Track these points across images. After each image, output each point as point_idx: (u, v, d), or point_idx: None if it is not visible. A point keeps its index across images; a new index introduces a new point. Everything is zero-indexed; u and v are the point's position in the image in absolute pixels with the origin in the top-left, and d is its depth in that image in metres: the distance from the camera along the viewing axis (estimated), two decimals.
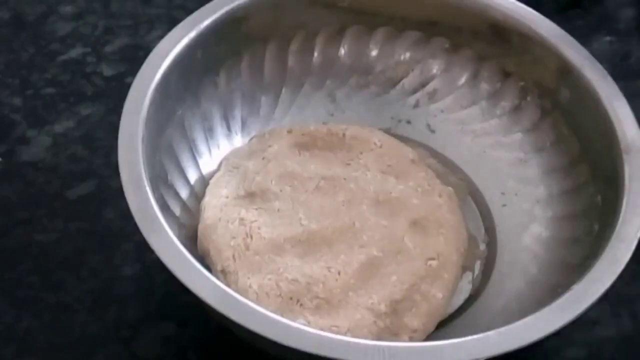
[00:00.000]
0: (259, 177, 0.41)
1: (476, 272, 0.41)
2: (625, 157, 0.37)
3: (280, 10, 0.43)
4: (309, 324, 0.36)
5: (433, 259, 0.39)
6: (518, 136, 0.44)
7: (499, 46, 0.44)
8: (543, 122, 0.43)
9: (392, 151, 0.43)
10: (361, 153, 0.43)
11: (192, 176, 0.41)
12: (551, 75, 0.42)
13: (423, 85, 0.46)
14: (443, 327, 0.39)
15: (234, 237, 0.39)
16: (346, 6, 0.44)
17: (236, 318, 0.31)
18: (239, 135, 0.44)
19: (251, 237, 0.39)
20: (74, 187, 0.45)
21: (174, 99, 0.40)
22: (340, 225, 0.39)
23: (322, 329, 0.35)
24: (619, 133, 0.38)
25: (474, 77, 0.45)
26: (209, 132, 0.43)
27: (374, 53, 0.46)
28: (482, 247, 0.42)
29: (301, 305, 0.37)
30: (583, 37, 0.42)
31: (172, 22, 0.41)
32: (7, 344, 0.39)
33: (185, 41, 0.40)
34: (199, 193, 0.41)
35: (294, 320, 0.34)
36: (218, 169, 0.42)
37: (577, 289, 0.33)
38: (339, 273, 0.38)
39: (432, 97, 0.46)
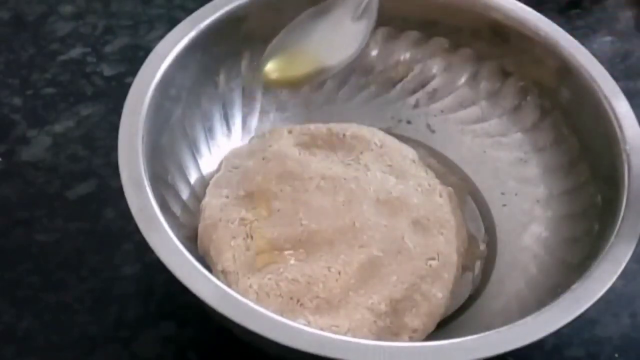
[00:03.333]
0: (259, 177, 0.41)
1: (476, 272, 0.41)
2: (625, 157, 0.37)
3: (280, 10, 0.43)
4: (309, 324, 0.36)
5: (433, 258, 0.39)
6: (518, 136, 0.44)
7: (499, 46, 0.44)
8: (543, 122, 0.43)
9: (392, 151, 0.43)
10: (361, 153, 0.43)
11: (192, 176, 0.41)
12: (551, 75, 0.42)
13: (423, 85, 0.46)
14: (443, 327, 0.39)
15: (234, 237, 0.39)
16: None
17: (236, 318, 0.31)
18: (239, 135, 0.44)
19: (251, 237, 0.39)
20: (74, 187, 0.45)
21: (174, 99, 0.40)
22: (341, 225, 0.39)
23: (322, 329, 0.35)
24: (619, 133, 0.38)
25: (474, 77, 0.45)
26: (209, 131, 0.43)
27: (374, 53, 0.46)
28: (482, 247, 0.42)
29: (301, 305, 0.37)
30: (583, 37, 0.42)
31: (172, 22, 0.41)
32: (7, 344, 0.39)
33: (185, 41, 0.40)
34: (199, 193, 0.41)
35: (294, 320, 0.34)
36: (218, 169, 0.42)
37: (577, 289, 0.33)
38: (339, 273, 0.38)
39: (432, 97, 0.46)
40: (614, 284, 0.33)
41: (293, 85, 0.39)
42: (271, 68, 0.38)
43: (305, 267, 0.38)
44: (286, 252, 0.38)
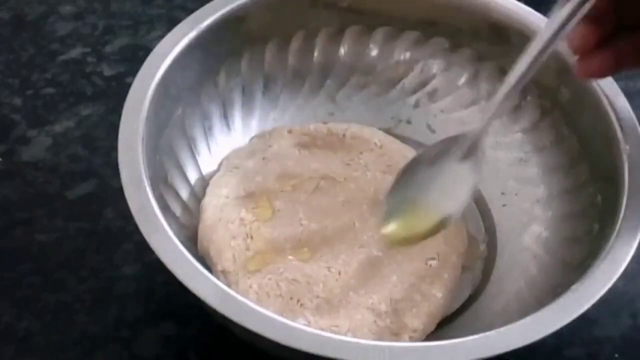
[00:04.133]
0: (259, 177, 0.41)
1: (476, 272, 0.41)
2: (625, 157, 0.37)
3: (280, 10, 0.43)
4: (309, 324, 0.36)
5: (433, 259, 0.39)
6: (518, 136, 0.44)
7: (499, 46, 0.44)
8: (543, 122, 0.43)
9: (392, 151, 0.43)
10: (361, 153, 0.43)
11: (192, 176, 0.41)
12: (551, 75, 0.42)
13: (423, 85, 0.46)
14: (443, 327, 0.39)
15: (234, 237, 0.39)
16: (346, 6, 0.44)
17: (236, 318, 0.31)
18: (239, 135, 0.44)
19: (251, 237, 0.39)
20: (74, 187, 0.45)
21: (174, 99, 0.40)
22: (340, 225, 0.39)
23: (322, 329, 0.35)
24: (619, 133, 0.38)
25: (474, 77, 0.45)
26: (209, 131, 0.43)
27: (374, 53, 0.46)
28: (482, 247, 0.42)
29: (301, 305, 0.37)
30: None
31: (172, 22, 0.41)
32: (7, 344, 0.39)
33: (185, 41, 0.40)
34: (199, 193, 0.41)
35: (294, 320, 0.34)
36: (218, 169, 0.42)
37: (577, 289, 0.33)
38: (339, 273, 0.38)
39: (432, 97, 0.46)
40: (614, 284, 0.33)
41: (418, 240, 0.37)
42: (393, 229, 0.37)
43: (305, 267, 0.38)
44: (286, 252, 0.38)
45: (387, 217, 0.37)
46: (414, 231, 0.36)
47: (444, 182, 0.36)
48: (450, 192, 0.36)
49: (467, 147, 0.36)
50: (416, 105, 0.46)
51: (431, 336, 0.38)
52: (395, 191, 0.37)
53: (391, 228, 0.36)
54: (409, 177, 0.37)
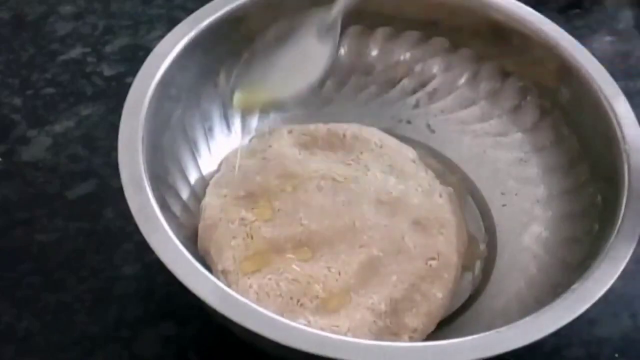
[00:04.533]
0: (259, 177, 0.41)
1: (476, 272, 0.41)
2: (625, 157, 0.37)
3: (280, 10, 0.43)
4: (309, 323, 0.36)
5: (433, 258, 0.39)
6: (518, 136, 0.44)
7: (499, 46, 0.44)
8: (543, 122, 0.43)
9: (392, 151, 0.43)
10: (361, 153, 0.43)
11: (192, 176, 0.41)
12: (551, 75, 0.42)
13: (423, 85, 0.46)
14: (443, 327, 0.39)
15: (234, 237, 0.39)
16: None
17: (236, 318, 0.31)
18: (239, 135, 0.44)
19: (251, 237, 0.39)
20: (74, 187, 0.45)
21: (174, 99, 0.40)
22: (341, 225, 0.39)
23: (322, 329, 0.35)
24: (619, 133, 0.38)
25: (474, 77, 0.45)
26: (209, 131, 0.43)
27: (374, 53, 0.46)
28: (482, 247, 0.42)
29: (301, 305, 0.37)
30: (583, 37, 0.42)
31: (172, 22, 0.41)
32: (7, 344, 0.39)
33: (185, 41, 0.40)
34: (199, 193, 0.41)
35: (294, 320, 0.34)
36: (218, 169, 0.42)
37: (577, 289, 0.33)
38: (339, 273, 0.38)
39: (432, 97, 0.46)
40: (613, 284, 0.33)
41: (261, 110, 0.41)
42: (237, 97, 0.39)
43: (306, 267, 0.38)
44: (286, 252, 0.38)
45: (237, 85, 0.39)
46: (260, 99, 0.39)
47: (296, 59, 0.38)
48: (301, 68, 0.37)
49: (328, 25, 0.37)
50: (416, 105, 0.46)
51: (431, 336, 0.38)
52: (248, 61, 0.39)
53: (237, 96, 0.38)
54: (263, 49, 0.38)
